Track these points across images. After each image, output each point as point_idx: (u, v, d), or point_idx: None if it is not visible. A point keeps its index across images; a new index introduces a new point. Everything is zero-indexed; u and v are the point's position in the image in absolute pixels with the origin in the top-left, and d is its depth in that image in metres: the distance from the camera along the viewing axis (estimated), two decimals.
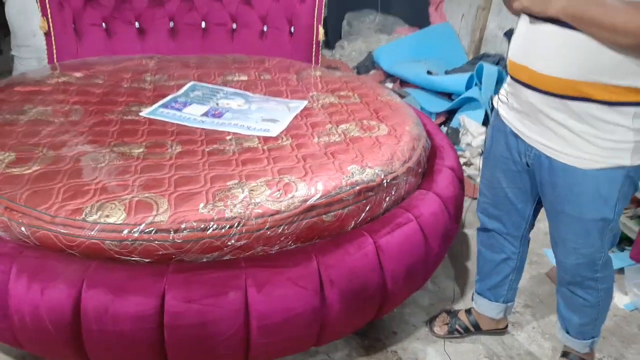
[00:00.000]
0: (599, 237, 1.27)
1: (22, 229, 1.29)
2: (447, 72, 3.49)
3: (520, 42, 1.23)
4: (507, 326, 1.72)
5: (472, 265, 1.99)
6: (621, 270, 1.92)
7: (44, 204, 1.31)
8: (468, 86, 3.04)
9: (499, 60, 3.17)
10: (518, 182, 1.40)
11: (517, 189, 1.42)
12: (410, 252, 1.49)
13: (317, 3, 2.62)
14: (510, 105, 1.32)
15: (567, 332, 1.48)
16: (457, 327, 1.69)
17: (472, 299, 1.71)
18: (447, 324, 1.70)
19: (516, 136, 1.32)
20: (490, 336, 1.67)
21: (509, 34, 3.05)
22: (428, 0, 4.15)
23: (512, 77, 1.28)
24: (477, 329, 1.69)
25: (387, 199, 1.56)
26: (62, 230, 1.27)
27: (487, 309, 1.65)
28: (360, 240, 1.42)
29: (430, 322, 1.73)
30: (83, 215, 1.28)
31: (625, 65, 1.06)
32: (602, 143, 1.15)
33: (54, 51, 2.41)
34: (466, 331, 1.69)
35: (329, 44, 4.07)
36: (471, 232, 2.19)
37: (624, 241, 2.10)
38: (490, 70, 2.93)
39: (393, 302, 1.54)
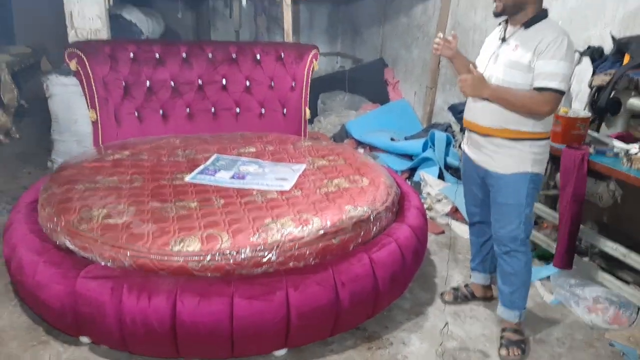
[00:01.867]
0: (517, 216, 1.99)
1: (126, 260, 1.85)
2: (406, 138, 4.26)
3: (468, 108, 2.08)
4: (492, 296, 2.39)
5: (439, 281, 2.61)
6: (549, 278, 2.59)
7: (140, 241, 1.88)
8: (424, 149, 3.81)
9: (447, 128, 3.98)
10: (478, 189, 2.18)
11: (482, 192, 2.16)
12: (393, 263, 2.12)
13: (304, 91, 3.38)
14: (467, 144, 2.15)
15: (502, 304, 2.13)
16: (460, 295, 2.40)
17: (470, 277, 2.45)
18: (452, 295, 2.41)
19: (472, 161, 2.12)
20: (451, 328, 2.25)
21: (451, 108, 3.87)
22: (386, 81, 5.05)
23: (466, 128, 2.12)
24: (472, 296, 2.41)
25: (374, 228, 2.20)
26: (156, 258, 1.84)
27: (480, 279, 2.38)
28: (359, 256, 2.04)
29: (441, 295, 2.44)
30: (170, 247, 1.86)
31: (519, 120, 1.91)
32: (513, 159, 1.96)
33: (100, 135, 3.02)
34: (466, 298, 2.40)
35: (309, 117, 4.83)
36: (436, 259, 2.83)
37: (549, 258, 2.78)
38: (440, 136, 3.72)
39: (384, 301, 2.15)
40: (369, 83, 5.07)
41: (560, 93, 1.85)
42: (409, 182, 3.66)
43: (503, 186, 2.00)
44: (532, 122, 1.91)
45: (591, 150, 2.29)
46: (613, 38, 2.55)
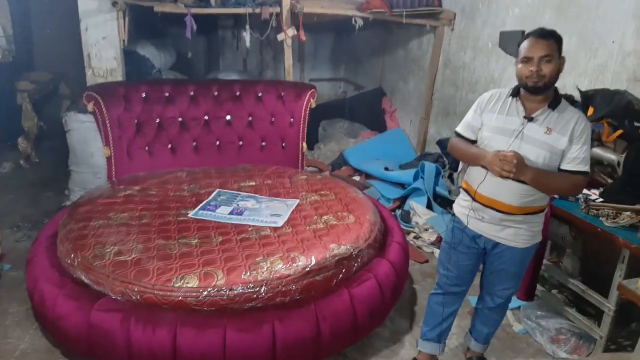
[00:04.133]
0: (519, 279, 2.18)
1: (134, 294, 2.12)
2: (401, 166, 4.51)
3: (490, 187, 1.96)
4: None
5: (418, 310, 2.84)
6: (519, 308, 2.81)
7: (146, 277, 2.15)
8: (415, 178, 4.05)
9: (438, 158, 4.22)
10: (474, 259, 2.15)
11: (472, 263, 2.17)
12: (372, 299, 2.36)
13: (301, 126, 3.65)
14: (475, 217, 2.05)
15: (476, 340, 2.34)
16: None
17: (418, 345, 2.36)
18: None
19: (477, 234, 2.07)
20: None
21: (439, 143, 4.09)
22: (384, 110, 5.30)
23: (480, 203, 2.01)
24: None
25: (356, 265, 2.44)
26: (160, 293, 2.10)
27: (434, 349, 2.32)
28: (340, 291, 2.29)
29: None
30: (172, 284, 2.12)
31: (544, 197, 1.96)
32: (532, 233, 2.01)
33: (113, 169, 3.32)
34: None
35: (309, 145, 5.09)
36: (418, 287, 3.07)
37: None
38: (430, 167, 3.96)
39: (363, 332, 2.39)
40: (368, 111, 5.33)
41: (588, 174, 1.93)
42: (399, 212, 3.89)
43: (515, 258, 2.06)
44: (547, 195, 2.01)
45: (554, 194, 2.51)
46: (580, 90, 2.77)
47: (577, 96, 2.88)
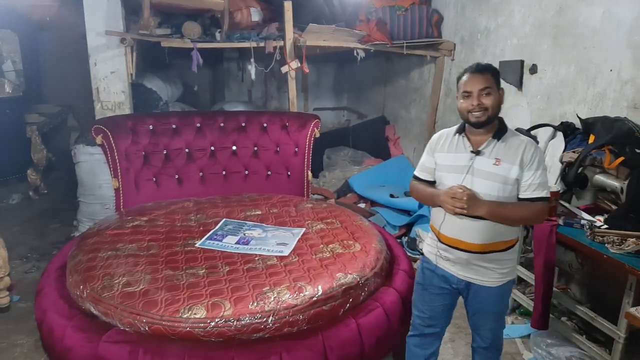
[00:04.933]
0: (503, 318, 2.13)
1: (142, 325, 2.13)
2: (406, 193, 4.54)
3: (451, 226, 1.98)
4: None
5: None
6: (528, 336, 2.79)
7: (154, 309, 2.16)
8: (420, 205, 4.07)
9: None
10: (448, 299, 2.15)
11: (446, 304, 2.16)
12: (379, 328, 2.34)
13: (306, 156, 3.70)
14: (442, 257, 2.07)
15: None
16: None
17: None
18: None
19: (449, 273, 2.07)
20: None
21: None
22: (387, 138, 5.37)
23: (444, 244, 2.02)
24: None
25: (362, 294, 2.44)
26: (168, 324, 2.11)
27: None
28: (347, 321, 2.28)
29: None
30: (180, 314, 2.13)
31: (510, 230, 1.94)
32: (505, 271, 1.99)
33: (121, 201, 3.36)
34: None
35: (314, 173, 5.15)
36: None
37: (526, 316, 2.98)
38: None
39: None
40: (372, 139, 5.40)
41: (549, 200, 1.93)
42: (406, 239, 3.90)
43: (491, 298, 2.02)
44: (517, 228, 2.01)
45: (560, 222, 2.53)
46: (580, 118, 2.82)
47: (577, 124, 2.93)
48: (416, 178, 2.17)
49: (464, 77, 1.93)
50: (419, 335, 2.26)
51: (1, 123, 4.67)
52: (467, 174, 1.93)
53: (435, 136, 2.14)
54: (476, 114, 1.87)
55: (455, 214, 1.86)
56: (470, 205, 1.81)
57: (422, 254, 2.25)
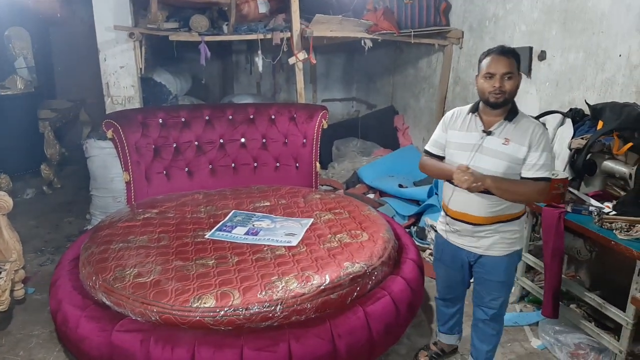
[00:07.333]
0: (507, 289, 2.22)
1: (153, 314, 2.17)
2: (415, 183, 4.54)
3: (459, 199, 2.10)
4: (456, 348, 2.61)
5: (435, 327, 2.83)
6: (536, 323, 2.79)
7: (165, 298, 2.20)
8: (429, 195, 4.06)
9: None
10: (459, 270, 2.28)
11: (458, 274, 2.30)
12: (387, 316, 2.37)
13: (314, 147, 3.71)
14: (451, 230, 2.21)
15: None
16: (432, 354, 2.57)
17: (437, 336, 2.60)
18: (426, 355, 2.58)
19: (458, 247, 2.21)
20: None
21: None
22: (396, 128, 5.35)
23: (452, 217, 2.17)
24: (443, 352, 2.58)
25: (370, 282, 2.47)
26: (178, 313, 2.15)
27: (450, 340, 2.56)
28: (355, 309, 2.31)
29: (415, 356, 2.60)
30: (190, 304, 2.17)
31: (512, 205, 2.03)
32: (508, 241, 2.09)
33: (132, 194, 3.41)
34: (438, 355, 2.57)
35: (323, 164, 5.16)
36: (434, 304, 3.06)
37: (541, 303, 2.97)
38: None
39: (379, 349, 2.40)
40: (381, 129, 5.39)
41: (550, 181, 2.01)
42: (415, 228, 3.90)
43: (497, 267, 2.13)
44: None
45: (568, 208, 2.51)
46: (588, 104, 2.79)
47: (586, 110, 2.90)
48: (427, 153, 2.25)
49: (488, 58, 1.96)
50: (442, 299, 2.49)
51: (15, 119, 4.75)
52: (475, 152, 2.02)
53: (449, 113, 2.19)
54: (496, 95, 1.93)
55: (469, 188, 1.94)
56: (476, 177, 1.91)
57: (436, 233, 2.40)
